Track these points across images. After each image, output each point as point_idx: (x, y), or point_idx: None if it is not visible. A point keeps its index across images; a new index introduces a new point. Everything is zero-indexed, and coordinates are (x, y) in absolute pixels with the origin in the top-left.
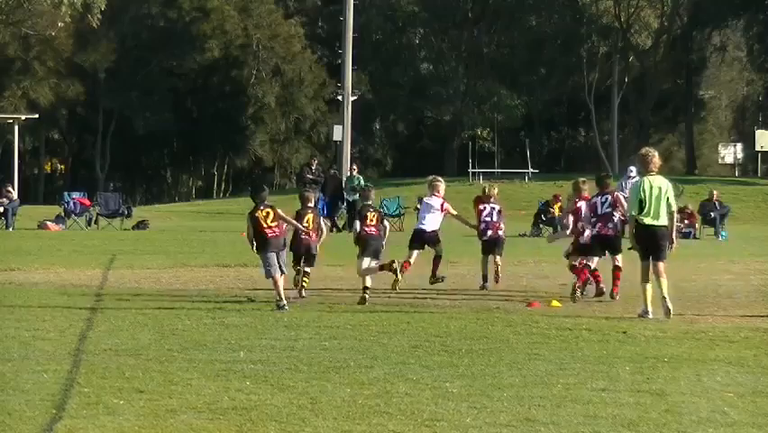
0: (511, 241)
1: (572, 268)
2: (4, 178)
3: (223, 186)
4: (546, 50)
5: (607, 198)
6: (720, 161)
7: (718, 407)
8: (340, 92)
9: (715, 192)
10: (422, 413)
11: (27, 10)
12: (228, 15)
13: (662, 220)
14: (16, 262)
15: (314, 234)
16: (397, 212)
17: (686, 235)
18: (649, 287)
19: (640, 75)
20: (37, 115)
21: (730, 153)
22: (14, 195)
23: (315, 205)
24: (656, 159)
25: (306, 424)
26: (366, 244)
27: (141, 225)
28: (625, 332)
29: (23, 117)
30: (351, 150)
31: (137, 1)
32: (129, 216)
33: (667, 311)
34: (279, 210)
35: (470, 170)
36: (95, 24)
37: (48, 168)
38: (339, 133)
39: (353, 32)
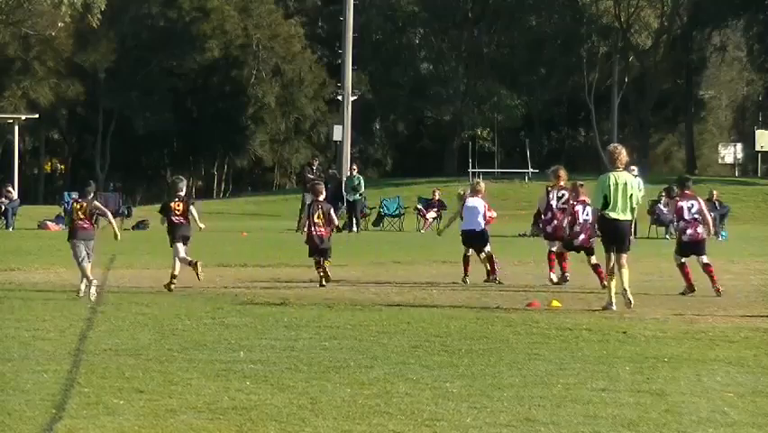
0: (511, 241)
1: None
2: (4, 178)
3: (223, 186)
4: (546, 49)
5: (693, 204)
6: (720, 160)
7: (718, 407)
8: (340, 92)
9: (715, 192)
10: (422, 413)
11: (27, 10)
12: (228, 15)
13: (627, 215)
14: (16, 262)
15: (326, 228)
16: (396, 212)
17: None
18: (614, 280)
19: (640, 75)
20: (37, 115)
21: (730, 153)
22: (14, 195)
23: (325, 198)
24: (623, 155)
25: (306, 424)
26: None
27: (142, 224)
28: (625, 332)
29: (23, 117)
30: (351, 150)
31: (137, 1)
32: (129, 215)
33: (628, 302)
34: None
35: (470, 169)
36: (95, 24)
37: (48, 168)
38: (339, 133)
39: (353, 32)
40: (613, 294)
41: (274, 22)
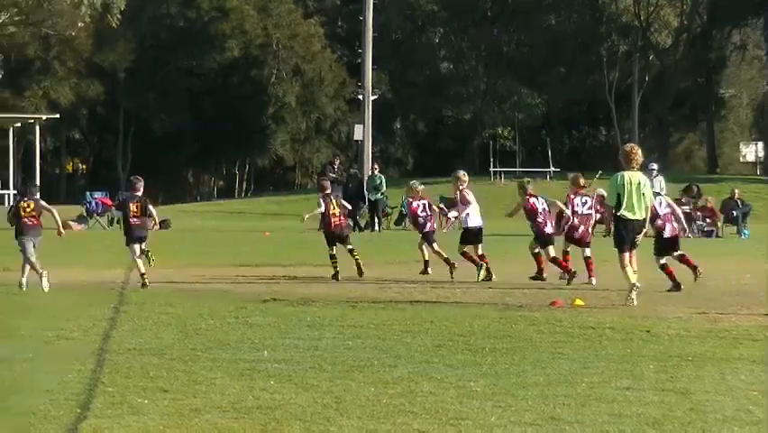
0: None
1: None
2: (26, 177)
3: (244, 185)
4: (566, 48)
5: (661, 200)
6: (741, 159)
7: (743, 405)
8: (360, 91)
9: (736, 191)
10: (446, 412)
11: (47, 10)
12: (247, 15)
13: (639, 214)
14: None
15: (343, 218)
16: None
17: (708, 234)
18: (629, 269)
19: (660, 73)
20: (58, 115)
21: (751, 152)
22: (37, 195)
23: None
24: (639, 155)
25: (330, 423)
26: None
27: (163, 224)
28: (648, 331)
29: (44, 117)
30: (372, 149)
31: (156, 1)
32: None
33: (630, 301)
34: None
35: (491, 168)
36: (114, 24)
37: (69, 168)
38: (360, 132)
39: (373, 32)
40: (633, 278)
41: (294, 21)
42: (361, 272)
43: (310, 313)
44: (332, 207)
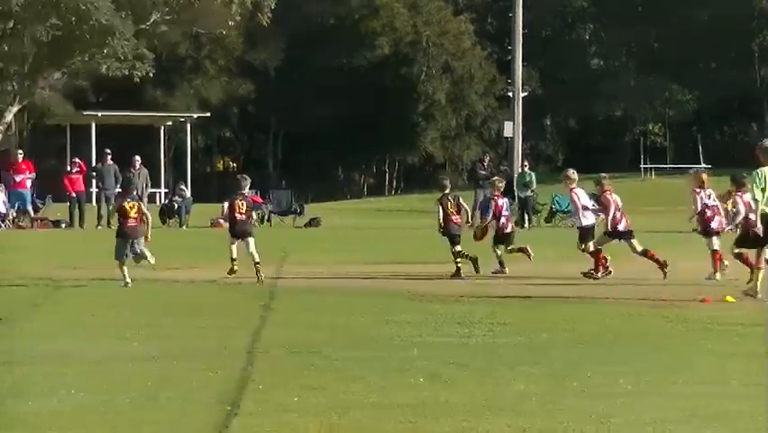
0: (685, 237)
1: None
2: (178, 176)
3: (394, 183)
4: (717, 44)
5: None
6: None
7: None
8: (510, 88)
9: None
10: (595, 409)
11: (198, 9)
12: (397, 13)
13: None
14: (189, 260)
15: (459, 217)
16: (569, 208)
17: None
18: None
19: None
20: (208, 114)
21: None
22: (187, 193)
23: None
24: None
25: (480, 421)
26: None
27: (313, 222)
28: None
29: (195, 116)
30: (522, 146)
31: None
32: (301, 213)
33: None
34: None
35: (641, 165)
36: (265, 23)
37: (220, 166)
38: (510, 129)
39: (523, 29)
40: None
41: (443, 18)
42: (455, 275)
43: (459, 310)
44: (449, 205)
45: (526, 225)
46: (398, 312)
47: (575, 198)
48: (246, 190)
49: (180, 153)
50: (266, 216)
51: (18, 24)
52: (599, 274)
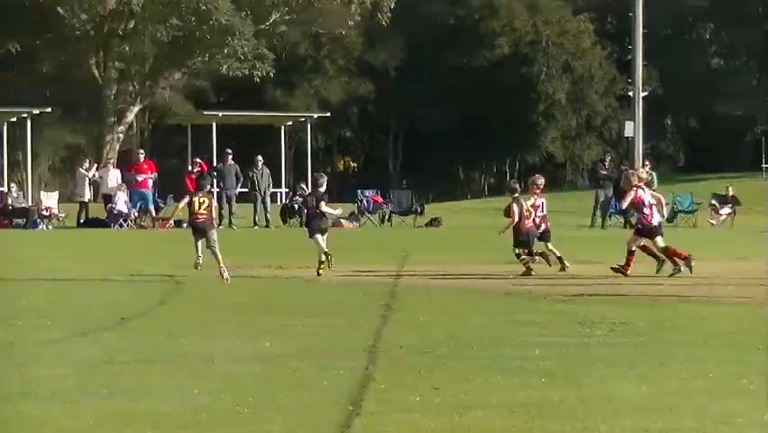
0: None
1: None
2: (298, 176)
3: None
4: None
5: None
6: None
7: None
8: (630, 88)
9: None
10: (718, 410)
11: (317, 9)
12: (517, 12)
13: None
14: (311, 260)
15: (528, 221)
16: (689, 207)
17: None
18: None
19: None
20: (328, 114)
21: None
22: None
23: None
24: None
25: (602, 421)
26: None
27: (434, 222)
28: None
29: (315, 116)
30: (642, 146)
31: None
32: (422, 213)
33: None
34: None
35: (763, 165)
36: (384, 23)
37: (340, 166)
38: (630, 129)
39: (643, 28)
40: None
41: (563, 18)
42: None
43: (580, 310)
44: (525, 208)
45: None
46: (518, 312)
47: (640, 196)
48: (323, 189)
49: (301, 153)
50: (387, 216)
51: (139, 25)
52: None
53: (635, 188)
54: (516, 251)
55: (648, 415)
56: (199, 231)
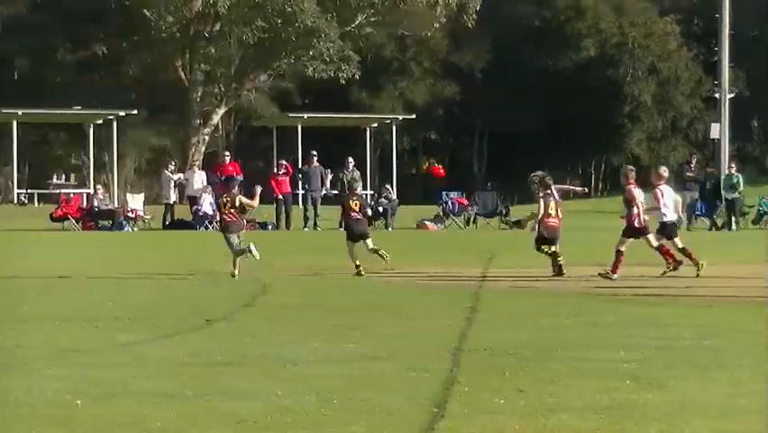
0: None
1: None
2: (383, 177)
3: (600, 185)
4: None
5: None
6: None
7: None
8: (716, 90)
9: None
10: None
11: (403, 11)
12: (603, 14)
13: None
14: (395, 262)
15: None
16: None
17: None
18: None
19: None
20: (414, 116)
21: None
22: (393, 195)
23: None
24: None
25: (686, 424)
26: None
27: (518, 224)
28: None
29: (401, 117)
30: (729, 148)
31: (511, 1)
32: (507, 215)
33: None
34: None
35: None
36: (470, 24)
37: (425, 168)
38: (716, 131)
39: (729, 29)
40: None
41: (649, 20)
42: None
43: (664, 312)
44: (551, 206)
45: (734, 227)
46: (601, 314)
47: (658, 194)
48: (359, 190)
49: (386, 155)
50: (472, 218)
51: (224, 27)
52: (615, 276)
53: (630, 185)
54: (545, 248)
55: (731, 417)
56: (229, 230)
